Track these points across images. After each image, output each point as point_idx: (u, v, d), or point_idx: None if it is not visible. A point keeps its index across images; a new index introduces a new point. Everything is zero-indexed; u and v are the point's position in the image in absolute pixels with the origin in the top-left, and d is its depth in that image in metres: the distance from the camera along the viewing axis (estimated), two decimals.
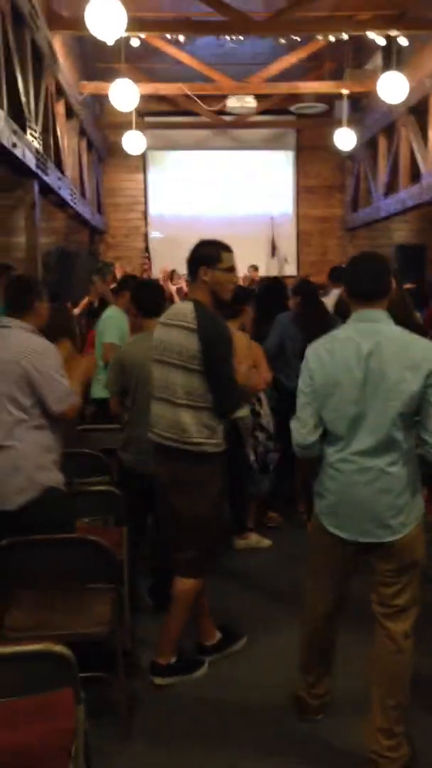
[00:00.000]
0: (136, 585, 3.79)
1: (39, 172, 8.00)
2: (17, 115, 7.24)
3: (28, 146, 7.47)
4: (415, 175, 10.69)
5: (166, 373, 3.15)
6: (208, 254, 3.22)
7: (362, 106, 13.60)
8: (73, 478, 4.52)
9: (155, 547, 4.03)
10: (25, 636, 2.84)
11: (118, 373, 3.96)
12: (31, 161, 7.60)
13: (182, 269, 12.92)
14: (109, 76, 11.97)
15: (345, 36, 9.89)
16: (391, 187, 12.00)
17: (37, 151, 7.88)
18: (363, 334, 2.62)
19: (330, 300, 6.35)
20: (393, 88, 8.80)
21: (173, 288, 11.30)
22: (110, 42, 7.04)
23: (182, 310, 3.16)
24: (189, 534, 3.20)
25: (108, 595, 2.94)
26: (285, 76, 12.31)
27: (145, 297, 4.14)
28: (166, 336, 3.18)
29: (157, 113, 14.05)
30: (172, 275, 12.26)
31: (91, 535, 2.86)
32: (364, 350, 2.57)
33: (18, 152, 7.03)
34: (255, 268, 13.25)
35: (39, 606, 2.95)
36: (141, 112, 11.73)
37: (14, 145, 6.87)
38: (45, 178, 8.35)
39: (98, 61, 12.36)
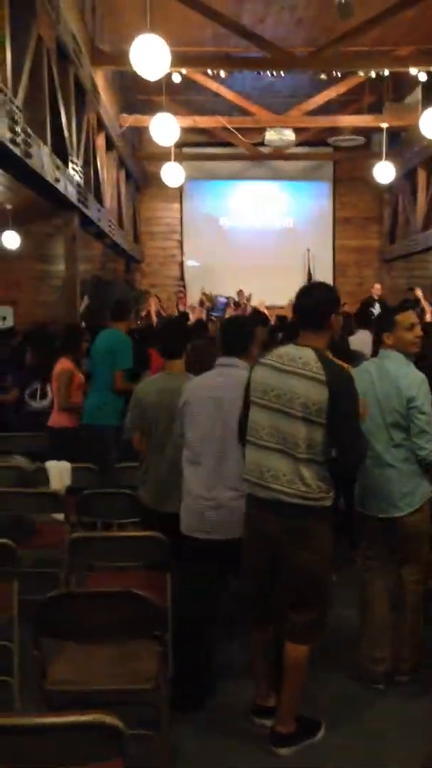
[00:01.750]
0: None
1: (80, 205, 8.08)
2: (60, 150, 7.33)
3: (70, 180, 7.55)
4: None
5: (281, 422, 2.93)
6: (336, 300, 3.17)
7: (401, 139, 13.58)
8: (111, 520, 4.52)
9: (186, 593, 3.93)
10: (68, 690, 2.79)
11: (138, 413, 3.93)
12: (72, 195, 7.69)
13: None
14: (148, 108, 12.12)
15: (386, 72, 9.89)
16: (430, 220, 11.93)
17: (78, 184, 7.96)
18: (377, 368, 3.57)
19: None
20: None
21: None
22: (154, 79, 7.10)
23: (303, 357, 2.94)
24: (312, 594, 3.04)
25: (153, 648, 2.87)
26: (324, 109, 12.35)
27: (170, 338, 4.09)
28: (279, 382, 2.95)
29: (194, 144, 14.18)
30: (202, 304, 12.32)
31: (137, 589, 2.79)
32: (375, 379, 3.51)
33: (60, 187, 7.12)
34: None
35: (82, 659, 2.89)
36: (178, 144, 11.83)
37: (57, 180, 6.95)
38: (85, 211, 8.43)
39: (138, 92, 12.51)
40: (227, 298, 12.86)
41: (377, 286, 12.79)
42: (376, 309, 11.35)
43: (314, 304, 3.07)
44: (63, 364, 5.96)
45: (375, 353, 3.89)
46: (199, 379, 3.55)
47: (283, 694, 3.11)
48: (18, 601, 3.46)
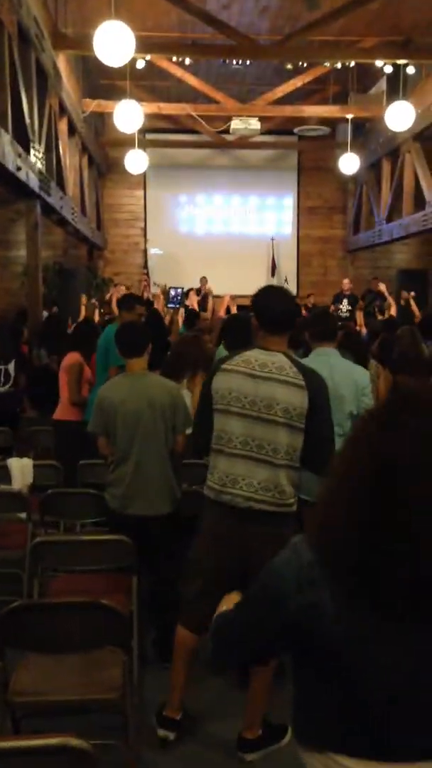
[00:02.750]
0: (141, 637, 3.66)
1: (42, 193, 7.93)
2: (21, 136, 7.19)
3: (31, 168, 7.41)
4: (419, 201, 10.67)
5: (256, 430, 2.86)
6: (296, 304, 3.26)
7: (366, 130, 13.60)
8: (75, 521, 4.46)
9: (155, 596, 3.90)
10: (32, 701, 2.74)
11: (101, 415, 3.81)
12: (34, 183, 7.54)
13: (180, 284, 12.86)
14: (111, 93, 11.95)
15: (351, 63, 9.88)
16: (394, 211, 11.98)
17: (40, 172, 7.81)
18: (330, 364, 3.79)
19: None
20: (400, 116, 8.77)
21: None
22: (118, 65, 6.99)
23: (276, 362, 2.89)
24: None
25: (118, 657, 2.83)
26: (289, 98, 12.29)
27: (130, 338, 3.94)
28: (253, 389, 2.87)
29: (159, 130, 14.02)
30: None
31: (102, 593, 2.75)
32: (334, 374, 3.64)
33: (22, 175, 6.98)
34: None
35: (47, 669, 2.84)
36: (142, 130, 11.68)
37: (18, 168, 6.81)
38: (48, 198, 8.28)
39: (101, 77, 12.32)
40: (180, 288, 12.79)
41: (346, 281, 12.81)
42: (344, 305, 11.46)
43: (283, 309, 3.02)
44: (72, 358, 5.82)
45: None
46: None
47: (251, 700, 3.09)
48: None
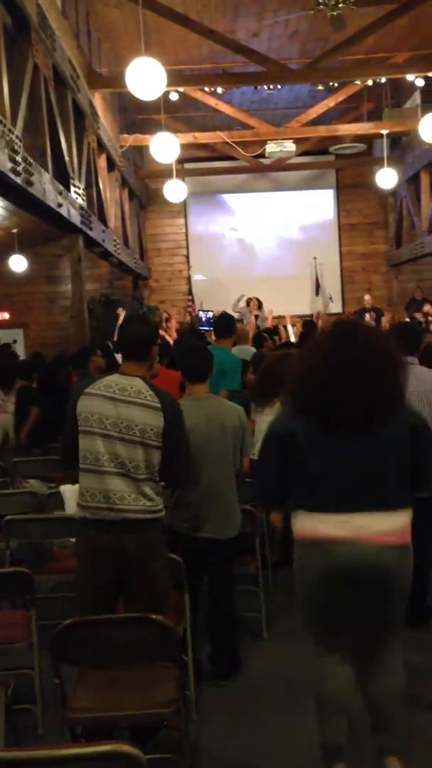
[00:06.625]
0: (196, 653, 3.70)
1: (84, 227, 8.15)
2: (61, 174, 7.41)
3: (72, 204, 7.62)
4: None
5: (117, 448, 3.09)
6: (156, 334, 3.42)
7: (403, 144, 13.60)
8: None
9: (212, 613, 3.95)
10: (89, 717, 2.80)
11: None
12: (76, 218, 7.75)
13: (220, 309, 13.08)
14: (148, 127, 12.22)
15: (383, 79, 9.93)
16: None
17: (81, 207, 8.03)
18: None
19: None
20: None
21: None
22: (150, 99, 7.18)
23: (134, 386, 3.13)
24: (162, 597, 3.26)
25: (172, 672, 2.88)
26: (324, 118, 12.40)
27: (195, 362, 4.04)
28: (113, 411, 3.09)
29: (196, 159, 14.26)
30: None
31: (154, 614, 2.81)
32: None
33: (63, 211, 7.19)
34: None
35: (103, 685, 2.90)
36: (181, 160, 11.90)
37: (59, 205, 7.02)
38: (90, 233, 8.49)
39: (137, 113, 12.62)
40: (210, 312, 12.99)
41: (367, 297, 13.27)
42: (368, 319, 11.74)
43: (140, 337, 3.24)
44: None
45: None
46: None
47: None
48: (38, 627, 3.49)
